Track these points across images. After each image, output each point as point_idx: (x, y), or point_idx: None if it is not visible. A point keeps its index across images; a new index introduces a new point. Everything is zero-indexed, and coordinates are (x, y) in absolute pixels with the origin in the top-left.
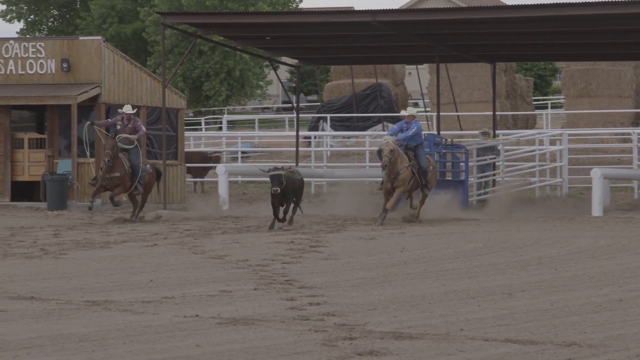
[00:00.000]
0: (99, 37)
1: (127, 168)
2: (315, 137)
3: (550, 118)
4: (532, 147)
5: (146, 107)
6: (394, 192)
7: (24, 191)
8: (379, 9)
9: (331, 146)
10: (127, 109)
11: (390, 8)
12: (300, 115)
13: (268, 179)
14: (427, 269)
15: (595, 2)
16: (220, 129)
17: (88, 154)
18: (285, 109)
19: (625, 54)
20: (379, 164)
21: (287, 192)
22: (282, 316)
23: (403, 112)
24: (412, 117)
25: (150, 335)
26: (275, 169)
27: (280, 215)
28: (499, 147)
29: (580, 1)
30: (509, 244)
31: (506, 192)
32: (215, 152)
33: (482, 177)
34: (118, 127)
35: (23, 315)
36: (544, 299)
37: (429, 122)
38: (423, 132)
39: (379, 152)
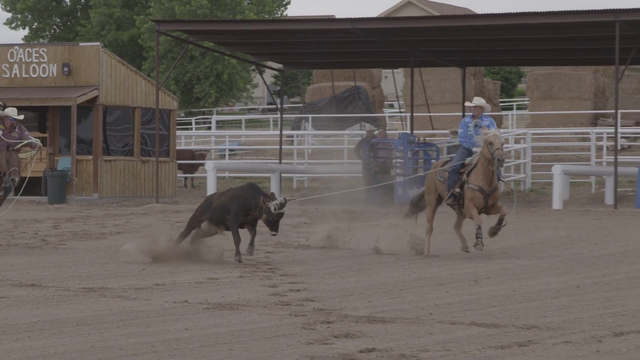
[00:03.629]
0: (98, 43)
1: None
2: (297, 136)
3: (515, 118)
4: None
5: (141, 108)
6: (492, 208)
7: (26, 186)
8: (358, 17)
9: (312, 144)
10: (12, 112)
11: (369, 17)
12: (283, 115)
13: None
14: (399, 258)
15: (559, 11)
16: (209, 128)
17: None
18: (270, 110)
19: (585, 60)
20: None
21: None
22: (265, 302)
23: (469, 104)
24: (481, 108)
25: (143, 320)
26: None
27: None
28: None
29: (544, 10)
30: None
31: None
32: (201, 150)
33: None
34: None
35: (24, 301)
36: (507, 286)
37: (404, 122)
38: (397, 132)
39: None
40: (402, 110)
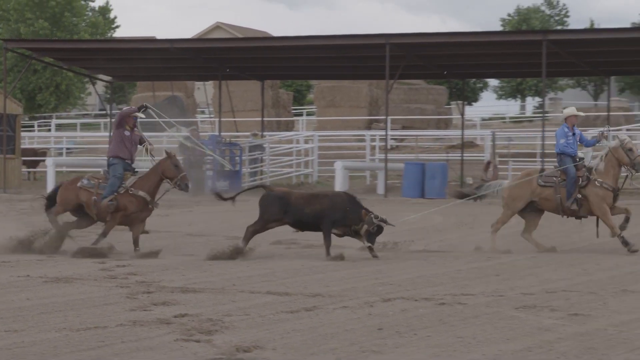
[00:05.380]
0: None
1: None
2: None
3: (305, 123)
4: (291, 145)
5: None
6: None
7: None
8: (175, 38)
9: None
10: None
11: (185, 38)
12: (112, 119)
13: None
14: (209, 239)
15: (339, 35)
16: (49, 130)
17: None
18: (101, 115)
19: (362, 75)
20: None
21: None
22: (96, 276)
23: (569, 113)
24: (576, 117)
25: None
26: None
27: None
28: (265, 145)
29: (328, 34)
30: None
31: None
32: (42, 148)
33: (253, 168)
34: None
35: None
36: (296, 262)
37: (213, 126)
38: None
39: (627, 149)
40: (212, 115)
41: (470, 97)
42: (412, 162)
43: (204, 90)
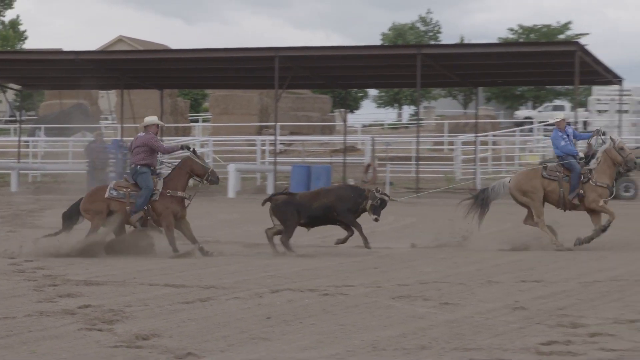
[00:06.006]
0: None
1: None
2: (32, 141)
3: (201, 129)
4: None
5: None
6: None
7: None
8: (81, 50)
9: (44, 148)
10: (155, 120)
11: (90, 50)
12: (22, 125)
13: None
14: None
15: (232, 48)
16: None
17: None
18: (11, 121)
19: (253, 84)
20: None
21: None
22: (5, 270)
23: (554, 120)
24: (564, 121)
25: None
26: None
27: None
28: None
29: (220, 47)
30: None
31: None
32: None
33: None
34: None
35: None
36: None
37: (115, 131)
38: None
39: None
40: (114, 122)
41: (352, 105)
42: (299, 164)
43: (108, 99)
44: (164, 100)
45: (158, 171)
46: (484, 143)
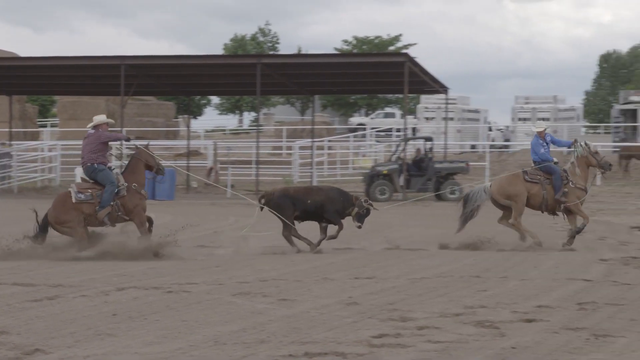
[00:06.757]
0: None
1: None
2: None
3: (50, 134)
4: (36, 153)
5: None
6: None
7: None
8: None
9: None
10: (103, 118)
11: None
12: None
13: None
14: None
15: (74, 56)
16: None
17: None
18: None
19: (100, 91)
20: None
21: None
22: None
23: (536, 129)
24: (544, 131)
25: None
26: None
27: None
28: (12, 153)
29: (70, 55)
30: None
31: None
32: None
33: (1, 174)
34: None
35: None
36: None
37: None
38: None
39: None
40: None
41: (195, 111)
42: None
43: None
44: (13, 106)
45: (109, 165)
46: (320, 148)
